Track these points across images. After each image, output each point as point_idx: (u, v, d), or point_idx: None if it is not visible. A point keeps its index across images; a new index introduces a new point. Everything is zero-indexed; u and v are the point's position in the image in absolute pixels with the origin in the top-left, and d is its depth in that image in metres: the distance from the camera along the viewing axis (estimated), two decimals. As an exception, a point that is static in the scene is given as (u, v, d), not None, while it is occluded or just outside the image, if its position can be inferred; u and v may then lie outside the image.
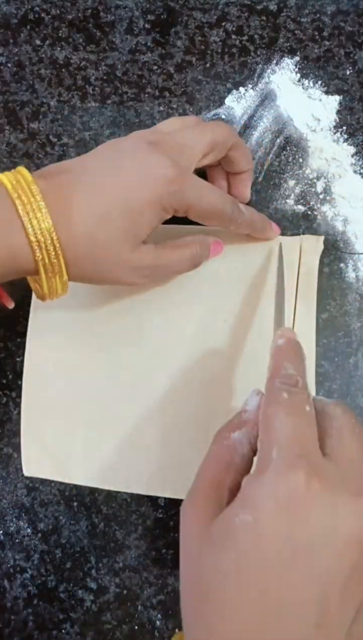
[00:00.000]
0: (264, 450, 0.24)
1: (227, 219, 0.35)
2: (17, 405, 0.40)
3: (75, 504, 0.39)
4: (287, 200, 0.42)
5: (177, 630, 0.26)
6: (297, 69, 0.43)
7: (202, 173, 0.38)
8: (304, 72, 0.43)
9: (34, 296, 0.41)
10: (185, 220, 0.34)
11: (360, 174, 0.41)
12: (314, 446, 0.24)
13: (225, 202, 0.34)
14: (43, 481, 0.39)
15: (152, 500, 0.38)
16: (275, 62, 0.44)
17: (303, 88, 0.43)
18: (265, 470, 0.23)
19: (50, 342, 0.40)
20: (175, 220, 0.34)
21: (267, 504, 0.22)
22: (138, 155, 0.31)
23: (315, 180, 0.42)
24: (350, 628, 0.22)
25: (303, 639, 0.22)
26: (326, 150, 0.42)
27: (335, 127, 0.42)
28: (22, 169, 0.31)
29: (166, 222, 0.33)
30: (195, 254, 0.35)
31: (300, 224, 0.41)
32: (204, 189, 0.33)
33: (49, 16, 0.46)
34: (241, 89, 0.44)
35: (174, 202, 0.32)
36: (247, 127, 0.43)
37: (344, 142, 0.42)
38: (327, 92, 0.43)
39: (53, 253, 0.29)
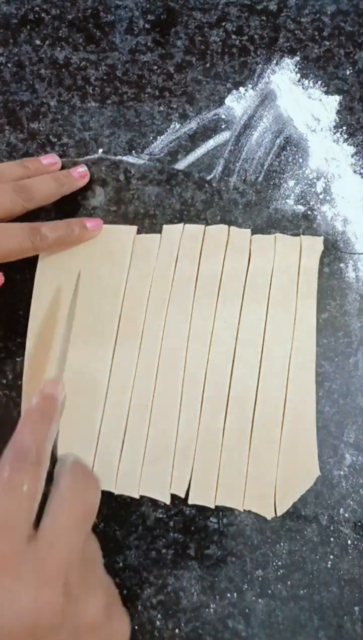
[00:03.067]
0: None
1: (31, 252, 0.36)
2: (17, 405, 0.40)
3: (75, 504, 0.38)
4: (287, 200, 0.42)
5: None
6: (297, 69, 0.43)
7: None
8: (304, 72, 0.43)
9: (34, 296, 0.41)
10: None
11: (360, 174, 0.41)
12: (20, 528, 0.25)
13: (21, 241, 0.35)
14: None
15: (152, 500, 0.38)
16: (275, 62, 0.44)
17: (303, 88, 0.43)
18: None
19: (50, 343, 0.40)
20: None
21: None
22: None
23: (315, 180, 0.42)
24: None
25: None
26: (326, 150, 0.42)
27: (335, 127, 0.42)
28: None
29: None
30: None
31: (300, 224, 0.41)
32: None
33: (49, 16, 0.46)
34: (241, 89, 0.44)
35: None
36: (247, 127, 0.43)
37: (344, 142, 0.42)
38: (327, 92, 0.43)
39: None
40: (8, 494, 0.25)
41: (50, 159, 0.42)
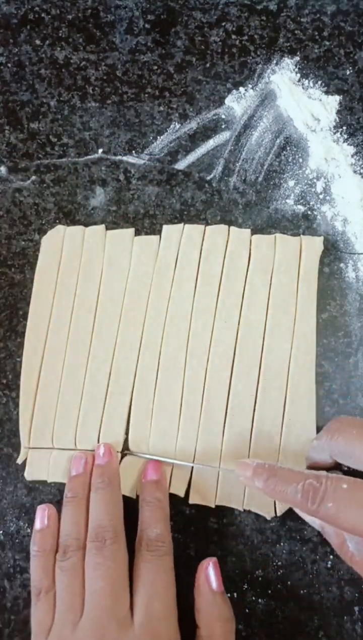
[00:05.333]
0: None
1: None
2: (17, 405, 0.40)
3: (75, 504, 0.39)
4: (287, 200, 0.42)
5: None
6: (297, 69, 0.43)
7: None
8: (304, 72, 0.43)
9: (34, 296, 0.41)
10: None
11: (360, 174, 0.41)
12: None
13: None
14: (43, 481, 0.39)
15: (152, 500, 0.38)
16: (275, 62, 0.44)
17: (303, 88, 0.43)
18: None
19: (49, 343, 0.40)
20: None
21: None
22: None
23: (315, 180, 0.42)
24: None
25: None
26: (326, 150, 0.42)
27: (335, 127, 0.42)
28: None
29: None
30: None
31: (300, 224, 0.41)
32: None
33: (49, 16, 0.46)
34: (241, 89, 0.44)
35: None
36: (247, 127, 0.43)
37: (344, 142, 0.42)
38: (327, 92, 0.43)
39: None
40: None
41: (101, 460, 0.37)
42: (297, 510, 0.33)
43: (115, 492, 0.36)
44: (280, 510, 0.37)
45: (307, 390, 0.38)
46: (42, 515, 0.37)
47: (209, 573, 0.34)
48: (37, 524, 0.37)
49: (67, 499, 0.36)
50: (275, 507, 0.37)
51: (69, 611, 0.32)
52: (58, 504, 0.39)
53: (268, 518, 0.37)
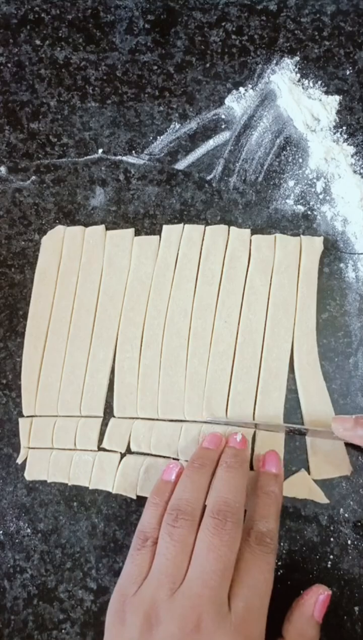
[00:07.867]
0: None
1: None
2: (17, 405, 0.40)
3: (75, 504, 0.39)
4: (287, 200, 0.42)
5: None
6: (297, 69, 0.43)
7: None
8: (304, 72, 0.43)
9: (33, 296, 0.41)
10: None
11: (360, 174, 0.41)
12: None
13: None
14: (43, 481, 0.39)
15: (152, 500, 0.38)
16: (275, 62, 0.44)
17: (303, 88, 0.43)
18: None
19: (49, 344, 0.40)
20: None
21: None
22: None
23: (314, 180, 0.42)
24: None
25: None
26: (326, 150, 0.42)
27: (335, 127, 0.42)
28: None
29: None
30: None
31: (300, 224, 0.41)
32: None
33: (49, 16, 0.46)
34: (241, 89, 0.44)
35: None
36: (247, 127, 0.43)
37: (344, 142, 0.42)
38: (327, 92, 0.43)
39: None
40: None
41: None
42: None
43: (244, 478, 0.34)
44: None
45: (318, 389, 0.38)
46: (173, 469, 0.36)
47: (320, 602, 0.33)
48: (166, 476, 0.36)
49: (194, 466, 0.35)
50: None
51: (169, 578, 0.31)
52: (58, 504, 0.39)
53: None
